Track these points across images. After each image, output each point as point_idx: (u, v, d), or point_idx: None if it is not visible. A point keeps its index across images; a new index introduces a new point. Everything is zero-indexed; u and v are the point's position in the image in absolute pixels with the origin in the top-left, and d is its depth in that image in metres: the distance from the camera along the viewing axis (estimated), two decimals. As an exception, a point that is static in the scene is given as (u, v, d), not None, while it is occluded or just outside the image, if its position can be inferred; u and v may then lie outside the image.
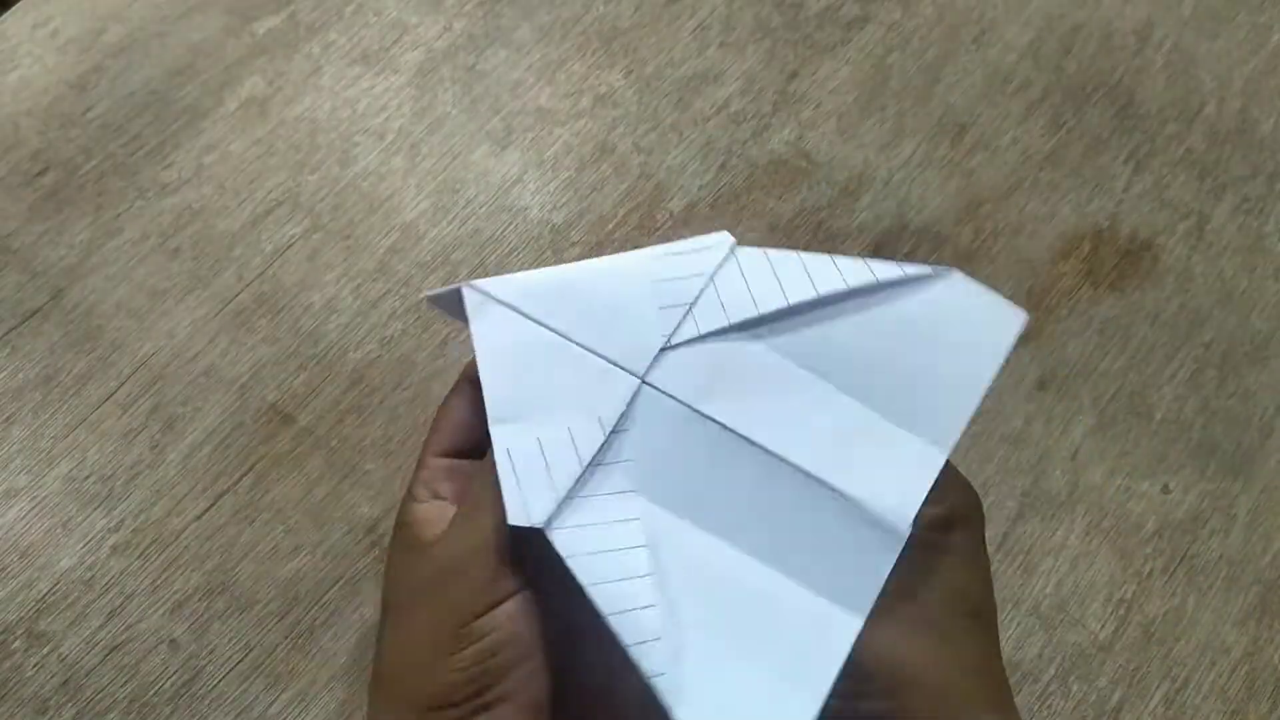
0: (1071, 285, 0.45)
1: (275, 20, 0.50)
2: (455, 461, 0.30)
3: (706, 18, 0.51)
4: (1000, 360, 0.28)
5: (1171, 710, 0.37)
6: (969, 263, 0.45)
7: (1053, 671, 0.38)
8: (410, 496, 0.30)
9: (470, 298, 0.29)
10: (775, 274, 0.28)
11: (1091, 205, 0.47)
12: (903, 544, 0.26)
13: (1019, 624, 0.38)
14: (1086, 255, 0.46)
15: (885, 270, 0.28)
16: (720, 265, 0.28)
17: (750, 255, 0.29)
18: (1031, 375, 0.43)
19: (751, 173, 0.47)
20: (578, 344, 0.28)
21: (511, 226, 0.45)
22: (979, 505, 0.30)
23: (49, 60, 0.49)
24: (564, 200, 0.46)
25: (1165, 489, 0.41)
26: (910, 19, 0.51)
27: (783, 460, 0.27)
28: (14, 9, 0.50)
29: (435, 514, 0.29)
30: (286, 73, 0.49)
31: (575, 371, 0.28)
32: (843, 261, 0.29)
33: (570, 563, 0.25)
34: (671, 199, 0.46)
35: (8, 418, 0.41)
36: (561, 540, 0.26)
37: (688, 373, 0.27)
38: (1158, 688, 0.38)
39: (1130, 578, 0.39)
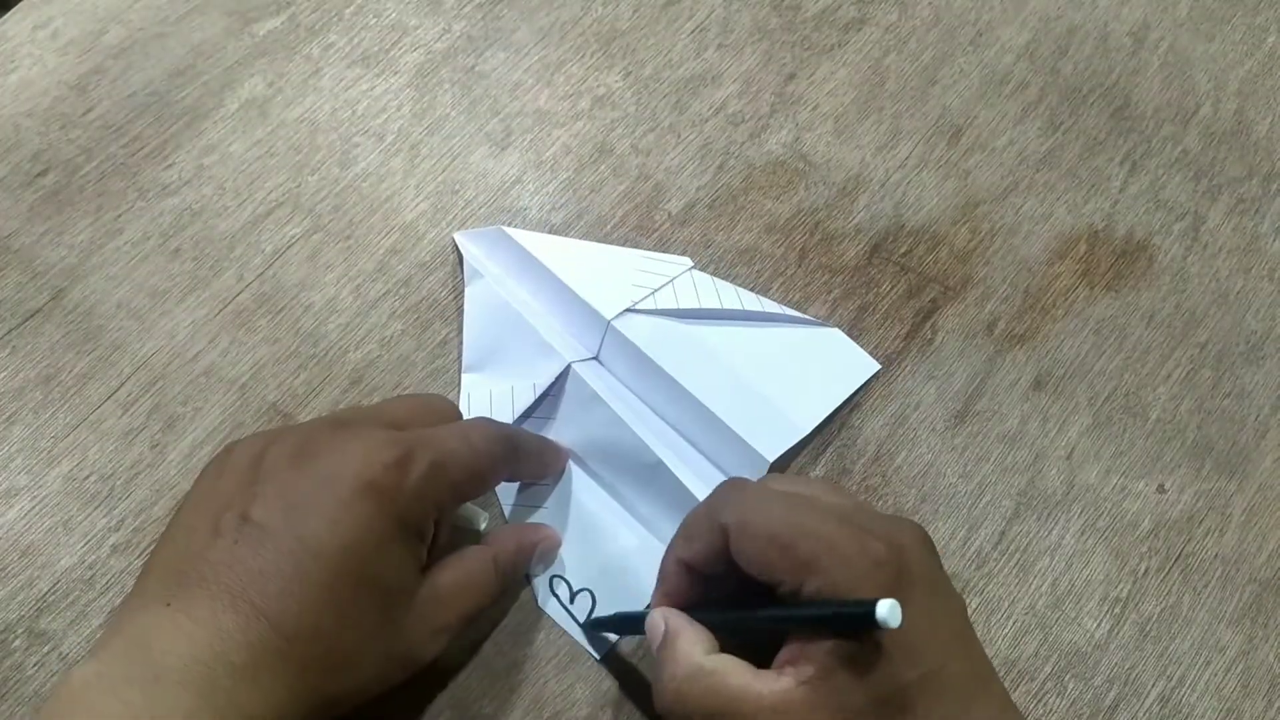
0: (1067, 285, 0.45)
1: (275, 22, 0.50)
2: None
3: (705, 19, 0.51)
4: (852, 388, 0.41)
5: (1167, 709, 0.37)
6: (965, 263, 0.45)
7: (1049, 670, 0.38)
8: None
9: (467, 269, 0.43)
10: (716, 290, 0.42)
11: (1087, 206, 0.47)
12: (765, 469, 0.37)
13: (1015, 623, 0.39)
14: (1082, 256, 0.46)
15: (790, 313, 0.42)
16: (679, 275, 0.42)
17: (701, 275, 0.43)
18: (1027, 375, 0.43)
19: (749, 174, 0.47)
20: (547, 310, 0.42)
21: (510, 228, 0.45)
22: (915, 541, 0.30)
23: (49, 61, 0.49)
24: (563, 201, 0.46)
25: (1161, 488, 0.41)
26: (907, 21, 0.51)
27: (688, 395, 0.38)
28: (15, 10, 0.50)
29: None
30: (286, 74, 0.49)
31: (527, 346, 0.40)
32: (765, 300, 0.42)
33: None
34: (669, 200, 0.46)
35: (8, 417, 0.41)
36: None
37: (641, 328, 0.40)
38: (1153, 686, 0.38)
39: (1126, 577, 0.40)
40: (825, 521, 0.29)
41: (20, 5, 0.50)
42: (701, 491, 0.36)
